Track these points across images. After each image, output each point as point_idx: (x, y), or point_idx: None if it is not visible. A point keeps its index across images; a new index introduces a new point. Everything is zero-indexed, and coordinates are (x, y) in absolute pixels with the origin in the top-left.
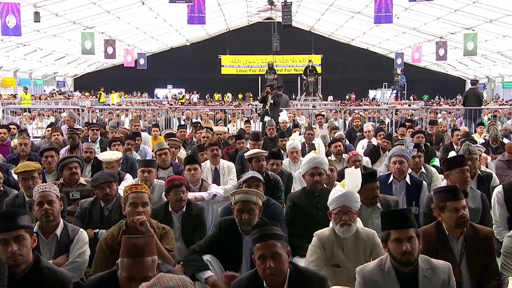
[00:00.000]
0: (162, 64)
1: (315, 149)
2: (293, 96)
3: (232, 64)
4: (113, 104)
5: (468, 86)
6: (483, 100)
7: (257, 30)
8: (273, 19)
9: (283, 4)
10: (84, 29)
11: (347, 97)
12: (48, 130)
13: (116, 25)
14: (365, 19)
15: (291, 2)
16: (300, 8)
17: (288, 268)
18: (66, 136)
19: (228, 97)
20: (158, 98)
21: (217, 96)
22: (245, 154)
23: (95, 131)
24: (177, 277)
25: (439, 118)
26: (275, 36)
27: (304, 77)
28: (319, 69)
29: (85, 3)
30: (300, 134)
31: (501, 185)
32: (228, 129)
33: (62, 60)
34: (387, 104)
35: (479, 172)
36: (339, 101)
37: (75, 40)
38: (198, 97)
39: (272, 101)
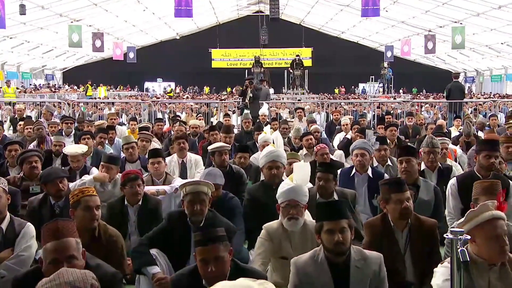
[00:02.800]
0: (152, 57)
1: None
2: (283, 90)
3: (222, 58)
4: (99, 98)
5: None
6: (465, 93)
7: (247, 24)
8: (263, 12)
9: None
10: (71, 22)
11: (336, 90)
12: (20, 124)
13: (104, 18)
14: (354, 12)
15: None
16: (290, 1)
17: (229, 267)
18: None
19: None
20: (148, 92)
21: (207, 89)
22: (208, 147)
23: (69, 124)
24: (79, 272)
25: (423, 111)
26: (263, 29)
27: (291, 71)
28: (309, 62)
29: None
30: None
31: (455, 178)
32: (212, 122)
33: (50, 53)
34: (374, 97)
35: (440, 165)
36: (329, 94)
37: (63, 33)
38: (182, 89)
39: (251, 95)
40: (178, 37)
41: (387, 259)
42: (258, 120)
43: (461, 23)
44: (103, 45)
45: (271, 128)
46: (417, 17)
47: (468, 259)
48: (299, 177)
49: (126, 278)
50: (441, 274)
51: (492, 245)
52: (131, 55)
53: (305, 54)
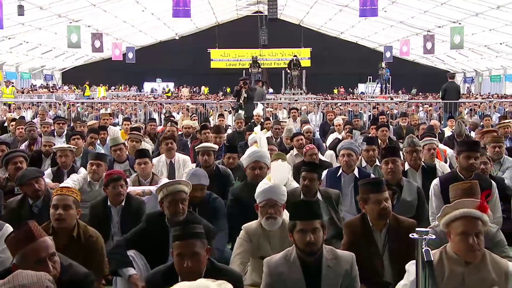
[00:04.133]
0: (151, 58)
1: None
2: (281, 90)
3: (221, 58)
4: (99, 98)
5: (457, 79)
6: (461, 94)
7: (246, 24)
8: (262, 13)
9: None
10: (70, 22)
11: (335, 91)
12: (12, 125)
13: (103, 19)
14: (353, 12)
15: None
16: (289, 1)
17: (205, 265)
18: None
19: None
20: (149, 92)
21: (206, 89)
22: (195, 147)
23: (61, 125)
24: (35, 274)
25: (420, 111)
26: (263, 30)
27: (289, 71)
28: (308, 63)
29: None
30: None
31: (438, 178)
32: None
33: (49, 54)
34: (373, 97)
35: (423, 164)
36: (326, 94)
37: (62, 33)
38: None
39: (245, 95)
40: (177, 37)
41: (366, 259)
42: (252, 121)
43: (460, 23)
44: (102, 45)
45: (264, 128)
46: (415, 17)
47: (432, 259)
48: (277, 177)
49: (106, 279)
50: (411, 273)
51: (461, 242)
52: (130, 55)
53: (304, 54)
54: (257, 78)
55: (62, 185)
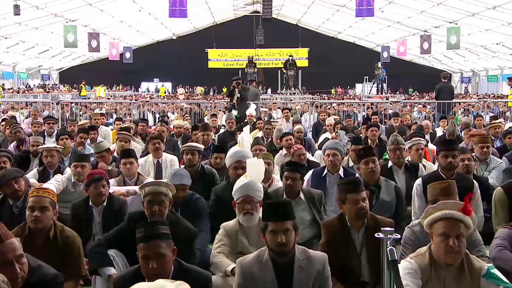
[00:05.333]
0: (149, 57)
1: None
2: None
3: (219, 58)
4: (99, 97)
5: (454, 79)
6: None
7: (244, 24)
8: (259, 13)
9: None
10: (67, 22)
11: (333, 91)
12: (3, 125)
13: (100, 18)
14: (350, 13)
15: None
16: (286, 1)
17: (172, 267)
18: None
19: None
20: (144, 92)
21: (202, 89)
22: (181, 146)
23: (51, 124)
24: None
25: (414, 111)
26: (259, 30)
27: (284, 71)
28: (306, 63)
29: None
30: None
31: (420, 178)
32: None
33: (46, 53)
34: (369, 97)
35: (406, 162)
36: (322, 94)
37: (58, 33)
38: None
39: (239, 95)
40: (174, 37)
41: (344, 259)
42: (245, 121)
43: (456, 23)
44: (99, 45)
45: (256, 128)
46: (412, 17)
47: (396, 258)
48: (252, 174)
49: (84, 279)
50: (402, 267)
51: (440, 244)
52: (128, 55)
53: (302, 54)
54: (252, 78)
55: (44, 185)
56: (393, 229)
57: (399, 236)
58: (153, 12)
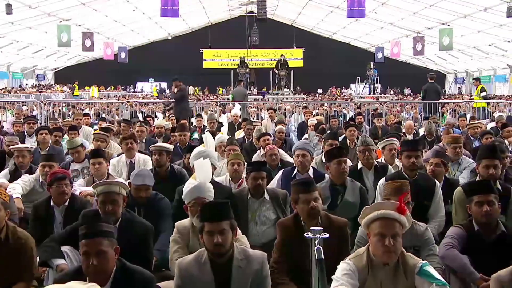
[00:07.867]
0: (144, 57)
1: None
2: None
3: (214, 58)
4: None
5: (448, 80)
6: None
7: (239, 24)
8: (255, 13)
9: None
10: (60, 22)
11: (327, 91)
12: None
13: (94, 18)
14: (343, 14)
15: None
16: (281, 1)
17: (114, 266)
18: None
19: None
20: (139, 92)
21: (197, 89)
22: (150, 146)
23: (31, 124)
24: None
25: (403, 112)
26: (254, 30)
27: (276, 71)
28: (301, 63)
29: None
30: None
31: (384, 178)
32: (192, 122)
33: (40, 53)
34: (361, 98)
35: (376, 163)
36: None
37: (52, 32)
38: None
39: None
40: (169, 37)
41: (298, 259)
42: (230, 121)
43: (448, 25)
44: (93, 44)
45: (241, 128)
46: (405, 18)
47: (323, 257)
48: (201, 175)
49: (37, 280)
50: (341, 269)
51: (377, 244)
52: (123, 55)
53: (297, 54)
54: (243, 79)
55: (10, 186)
56: (321, 228)
57: (327, 235)
58: (147, 12)
